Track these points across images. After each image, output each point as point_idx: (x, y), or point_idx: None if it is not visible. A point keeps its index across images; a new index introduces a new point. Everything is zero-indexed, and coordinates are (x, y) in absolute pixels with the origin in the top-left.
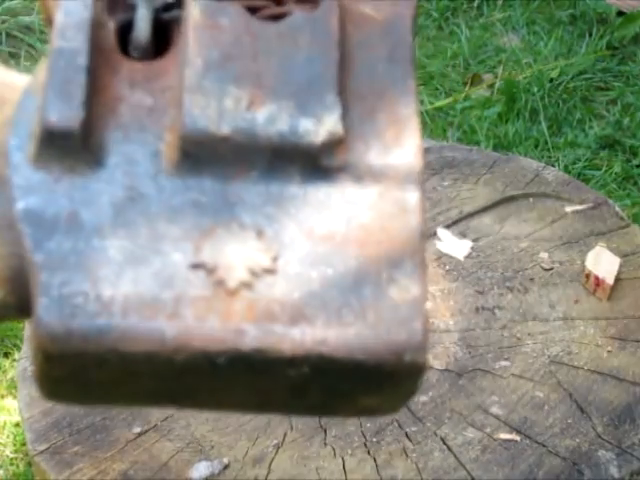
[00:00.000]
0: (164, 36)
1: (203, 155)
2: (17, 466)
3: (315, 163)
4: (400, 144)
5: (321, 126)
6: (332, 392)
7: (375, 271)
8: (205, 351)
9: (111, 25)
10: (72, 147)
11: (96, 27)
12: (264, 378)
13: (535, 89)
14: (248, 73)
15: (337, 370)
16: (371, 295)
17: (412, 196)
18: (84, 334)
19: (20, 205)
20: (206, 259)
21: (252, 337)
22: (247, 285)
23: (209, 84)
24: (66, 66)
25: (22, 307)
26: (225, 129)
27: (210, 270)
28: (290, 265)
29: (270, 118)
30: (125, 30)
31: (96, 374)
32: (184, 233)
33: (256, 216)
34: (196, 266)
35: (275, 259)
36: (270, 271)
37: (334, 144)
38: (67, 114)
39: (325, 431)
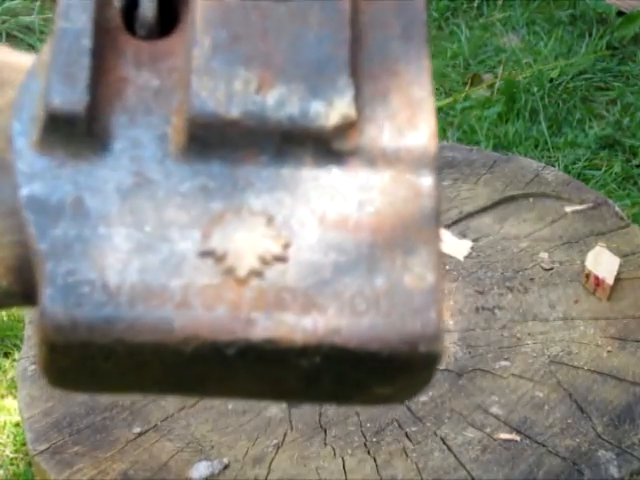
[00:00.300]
0: (171, 14)
1: (211, 139)
2: (17, 466)
3: (326, 147)
4: (414, 127)
5: (332, 109)
6: (345, 382)
7: (389, 258)
8: (214, 341)
9: (116, 3)
10: (76, 132)
11: (101, 6)
12: (275, 368)
13: (535, 89)
14: (257, 54)
15: (350, 360)
16: (385, 283)
17: (427, 180)
18: (90, 324)
19: (24, 192)
20: (215, 246)
21: (262, 327)
22: (257, 273)
23: (217, 65)
24: (70, 48)
25: (28, 295)
26: (234, 112)
27: (219, 258)
28: (301, 252)
29: (280, 101)
30: (131, 8)
31: (102, 365)
32: (192, 219)
33: (266, 201)
34: (205, 254)
35: (286, 246)
36: (281, 259)
37: (346, 127)
38: (71, 98)
39: (325, 431)
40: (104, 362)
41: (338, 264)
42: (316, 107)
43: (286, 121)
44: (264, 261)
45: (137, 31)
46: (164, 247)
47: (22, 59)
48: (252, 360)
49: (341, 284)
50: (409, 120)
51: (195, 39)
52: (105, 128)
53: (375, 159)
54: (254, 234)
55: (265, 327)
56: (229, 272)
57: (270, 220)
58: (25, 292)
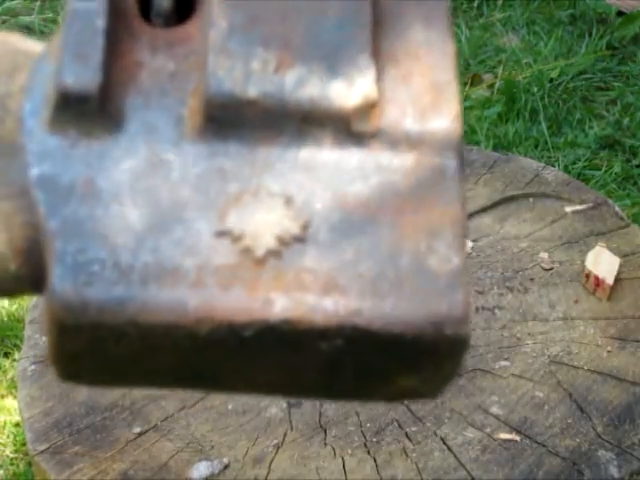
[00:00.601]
0: (187, 3)
1: (228, 120)
2: (17, 466)
3: (347, 128)
4: (437, 109)
5: (353, 89)
6: (367, 371)
7: (413, 240)
8: (230, 322)
9: None
10: (89, 111)
11: None
12: (294, 354)
13: (535, 89)
14: (276, 35)
15: (373, 344)
16: (408, 265)
17: (451, 163)
18: (101, 304)
19: (34, 171)
20: (232, 227)
21: (281, 307)
22: (275, 254)
23: (235, 46)
24: (83, 28)
25: (36, 281)
26: (252, 92)
27: (236, 238)
28: (321, 233)
29: (299, 81)
30: None
31: (113, 349)
32: (208, 200)
33: (285, 183)
34: (221, 234)
35: (305, 227)
36: (300, 239)
37: (367, 108)
38: (84, 77)
39: (325, 431)
40: (115, 346)
41: (360, 246)
42: (336, 87)
43: (306, 101)
44: (282, 242)
45: (153, 20)
46: (178, 227)
47: (33, 45)
48: (270, 344)
49: (363, 266)
50: (432, 103)
51: (212, 21)
52: (118, 109)
53: (397, 141)
54: (272, 215)
55: (284, 307)
56: (246, 252)
57: (289, 201)
58: (34, 277)
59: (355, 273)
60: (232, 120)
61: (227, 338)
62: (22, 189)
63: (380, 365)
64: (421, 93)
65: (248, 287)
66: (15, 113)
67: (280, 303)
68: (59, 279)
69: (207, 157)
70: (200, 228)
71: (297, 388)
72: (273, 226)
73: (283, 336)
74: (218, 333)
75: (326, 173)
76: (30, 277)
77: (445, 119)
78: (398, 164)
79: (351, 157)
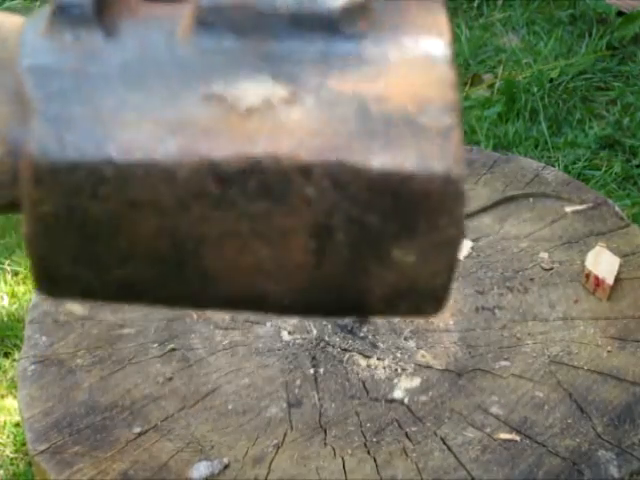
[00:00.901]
0: None
1: (219, 23)
2: (17, 466)
3: (336, 30)
4: (427, 20)
5: None
6: (359, 238)
7: (403, 107)
8: (211, 161)
9: None
10: (84, 18)
11: None
12: (280, 208)
13: (535, 89)
14: None
15: (362, 192)
16: (398, 120)
17: (441, 53)
18: (79, 143)
19: (25, 62)
20: (220, 92)
21: (265, 143)
22: (261, 110)
23: None
24: None
25: (13, 183)
26: None
27: (222, 99)
28: (309, 100)
29: None
30: None
31: (90, 206)
32: (196, 78)
33: (274, 70)
34: (208, 97)
35: (294, 94)
36: (288, 101)
37: (356, 10)
38: None
39: (325, 431)
40: (91, 201)
41: (348, 110)
42: None
43: (294, 4)
44: (269, 103)
45: None
46: (164, 91)
47: (19, 20)
48: (254, 192)
49: (352, 122)
50: (422, 15)
51: None
52: (113, 21)
53: (386, 40)
54: (261, 84)
55: (267, 144)
56: (232, 108)
57: (277, 77)
58: (13, 182)
59: (344, 126)
60: (223, 23)
61: (208, 185)
62: (13, 89)
63: (372, 228)
64: (410, 6)
65: (231, 130)
66: (5, 86)
67: (264, 140)
68: (39, 127)
69: (198, 54)
70: (186, 94)
71: (284, 275)
72: (261, 91)
73: (267, 180)
74: (198, 177)
75: (315, 65)
76: (8, 182)
77: (434, 17)
78: (388, 57)
79: (341, 53)
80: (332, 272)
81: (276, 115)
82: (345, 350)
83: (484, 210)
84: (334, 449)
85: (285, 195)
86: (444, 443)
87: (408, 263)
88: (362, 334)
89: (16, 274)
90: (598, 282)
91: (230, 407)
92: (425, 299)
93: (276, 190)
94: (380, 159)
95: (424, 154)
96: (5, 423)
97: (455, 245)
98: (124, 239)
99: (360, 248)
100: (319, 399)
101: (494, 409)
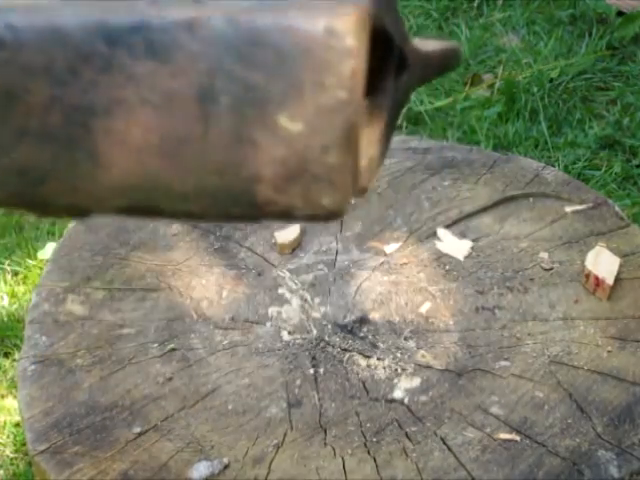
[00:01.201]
0: None
1: None
2: (17, 466)
3: None
4: None
5: None
6: (245, 101)
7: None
8: (102, 21)
9: None
10: None
11: None
12: (165, 67)
13: (535, 89)
14: None
15: (245, 48)
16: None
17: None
18: None
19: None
20: None
21: (153, 6)
22: None
23: None
24: None
25: None
26: None
27: None
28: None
29: None
30: None
31: None
32: None
33: None
34: None
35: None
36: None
37: None
38: None
39: (325, 431)
40: None
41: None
42: None
43: None
44: None
45: None
46: None
47: None
48: (140, 51)
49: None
50: None
51: None
52: None
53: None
54: None
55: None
56: None
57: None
58: None
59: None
60: None
61: (98, 47)
62: None
63: (256, 89)
64: None
65: None
66: None
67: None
68: None
69: None
70: None
71: (172, 150)
72: None
73: (153, 37)
74: (89, 38)
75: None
76: None
77: None
78: None
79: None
80: (219, 144)
81: None
82: (345, 350)
83: (484, 210)
84: (334, 449)
85: (170, 52)
86: (444, 443)
87: (296, 132)
88: (362, 334)
89: (16, 274)
90: (598, 282)
91: (230, 407)
92: (319, 184)
93: (162, 48)
94: (265, 15)
95: (310, 11)
96: (5, 423)
97: (345, 112)
98: (18, 112)
99: (245, 113)
100: (319, 399)
101: (494, 409)
